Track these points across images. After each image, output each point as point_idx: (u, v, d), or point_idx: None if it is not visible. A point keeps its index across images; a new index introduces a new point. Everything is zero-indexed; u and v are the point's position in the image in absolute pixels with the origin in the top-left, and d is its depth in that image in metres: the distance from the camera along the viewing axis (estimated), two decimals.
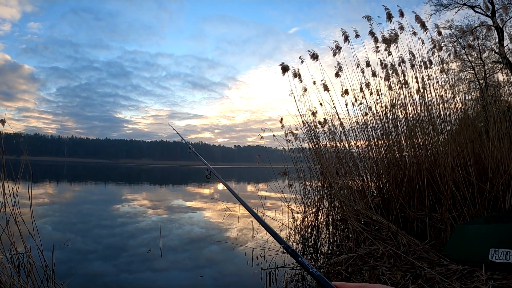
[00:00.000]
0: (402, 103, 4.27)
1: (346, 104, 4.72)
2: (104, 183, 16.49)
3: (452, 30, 15.49)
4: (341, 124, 4.70)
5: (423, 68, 4.32)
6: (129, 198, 9.68)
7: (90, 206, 7.95)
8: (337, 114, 4.72)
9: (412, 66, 4.34)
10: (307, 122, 4.82)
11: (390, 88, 4.40)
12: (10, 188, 2.48)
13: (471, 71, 14.28)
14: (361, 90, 4.57)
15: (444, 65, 4.58)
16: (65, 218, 6.24)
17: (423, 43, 4.41)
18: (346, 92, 4.65)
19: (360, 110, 4.60)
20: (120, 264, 3.59)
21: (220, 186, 15.99)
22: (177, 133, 3.21)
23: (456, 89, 4.74)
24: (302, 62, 4.66)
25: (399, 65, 4.40)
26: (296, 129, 5.22)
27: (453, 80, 5.11)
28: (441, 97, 4.26)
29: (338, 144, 4.69)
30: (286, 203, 5.23)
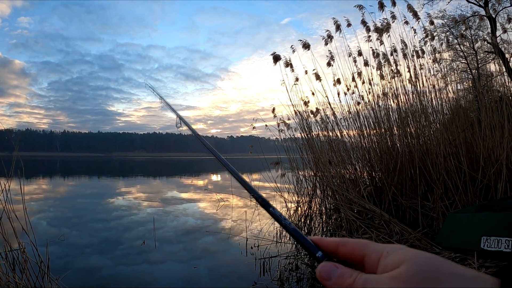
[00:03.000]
0: (394, 93, 4.28)
1: (338, 94, 4.72)
2: (98, 177, 16.42)
3: (445, 20, 15.50)
4: (333, 114, 4.72)
5: (415, 57, 4.33)
6: (123, 191, 9.64)
7: (84, 201, 7.91)
8: (329, 104, 4.73)
9: (404, 56, 4.35)
10: (299, 112, 4.82)
11: (382, 77, 4.40)
12: (2, 184, 2.45)
13: (464, 61, 14.36)
14: (353, 79, 4.58)
15: (437, 54, 4.60)
16: (59, 213, 6.20)
17: (415, 32, 4.42)
18: (338, 81, 4.65)
19: (352, 100, 4.62)
20: (115, 257, 3.59)
21: (214, 177, 15.99)
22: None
23: (448, 78, 4.76)
24: (293, 51, 4.65)
25: (391, 54, 4.40)
26: (289, 119, 5.23)
27: (446, 69, 5.12)
28: (433, 86, 4.28)
29: (330, 134, 4.70)
30: (279, 193, 5.26)
